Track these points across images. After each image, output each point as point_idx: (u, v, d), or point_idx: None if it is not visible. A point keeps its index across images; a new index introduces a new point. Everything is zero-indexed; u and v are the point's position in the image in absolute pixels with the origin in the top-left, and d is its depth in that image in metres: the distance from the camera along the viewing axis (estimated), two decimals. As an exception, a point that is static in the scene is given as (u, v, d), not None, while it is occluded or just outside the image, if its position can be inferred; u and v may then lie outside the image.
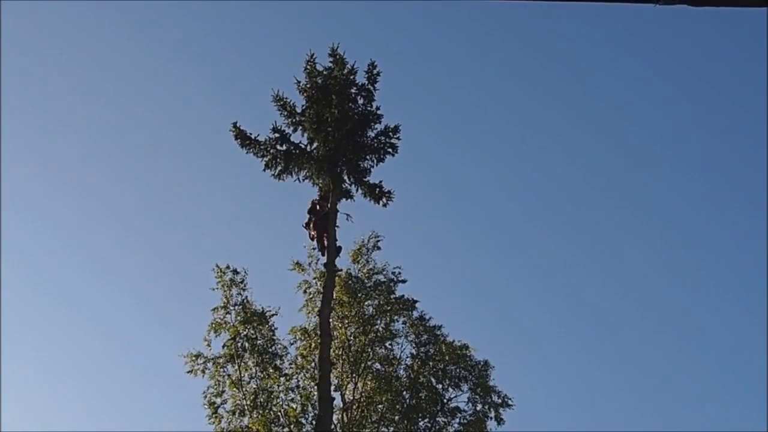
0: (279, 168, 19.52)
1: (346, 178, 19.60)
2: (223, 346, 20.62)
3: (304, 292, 21.77)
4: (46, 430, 39.77)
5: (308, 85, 19.61)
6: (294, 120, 19.57)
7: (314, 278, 21.81)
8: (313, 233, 19.66)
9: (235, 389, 20.27)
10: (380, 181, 19.67)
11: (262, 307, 21.20)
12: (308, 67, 19.64)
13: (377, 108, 19.52)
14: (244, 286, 21.34)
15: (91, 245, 46.65)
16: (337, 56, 19.58)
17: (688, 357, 43.51)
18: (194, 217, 47.71)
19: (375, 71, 19.44)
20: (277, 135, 19.45)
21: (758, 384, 36.05)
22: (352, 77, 19.54)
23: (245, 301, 21.19)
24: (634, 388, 41.50)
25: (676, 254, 46.38)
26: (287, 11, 45.01)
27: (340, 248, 18.94)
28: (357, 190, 19.66)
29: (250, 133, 19.52)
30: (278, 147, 19.54)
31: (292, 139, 19.55)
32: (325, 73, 19.62)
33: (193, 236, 46.74)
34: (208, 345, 20.71)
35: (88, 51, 45.66)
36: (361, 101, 19.61)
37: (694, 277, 45.82)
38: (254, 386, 20.40)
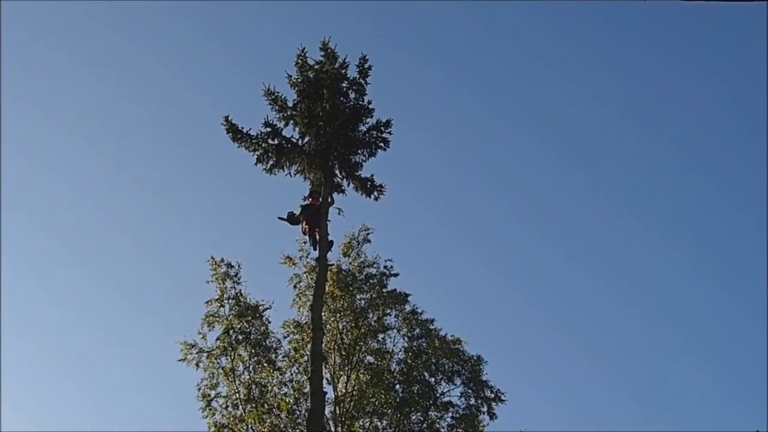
0: (271, 162, 19.52)
1: (337, 172, 19.61)
2: (217, 339, 20.65)
3: (294, 286, 21.79)
4: (46, 430, 39.75)
5: (299, 80, 19.58)
6: (285, 114, 19.54)
7: (305, 272, 21.83)
8: (305, 227, 19.66)
9: (228, 381, 20.29)
10: (372, 175, 19.70)
11: (256, 301, 21.25)
12: (299, 61, 19.60)
13: (369, 102, 19.51)
14: (238, 279, 21.40)
15: (83, 240, 46.56)
16: (329, 50, 19.53)
17: (686, 354, 43.70)
18: (186, 212, 47.68)
19: (366, 65, 19.39)
20: (268, 129, 19.43)
21: (758, 384, 36.16)
22: (343, 71, 19.51)
23: (239, 294, 21.22)
24: (629, 384, 41.69)
25: (671, 249, 46.50)
26: (278, 7, 44.89)
27: (331, 242, 18.93)
28: (348, 184, 19.69)
29: (242, 127, 19.51)
30: (270, 141, 19.52)
31: (283, 133, 19.55)
32: (316, 67, 19.59)
33: (185, 231, 46.71)
34: (204, 338, 20.74)
35: (80, 48, 45.52)
36: (352, 95, 19.59)
37: (691, 272, 45.98)
38: (248, 378, 20.44)
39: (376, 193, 19.69)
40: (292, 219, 19.53)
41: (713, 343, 44.06)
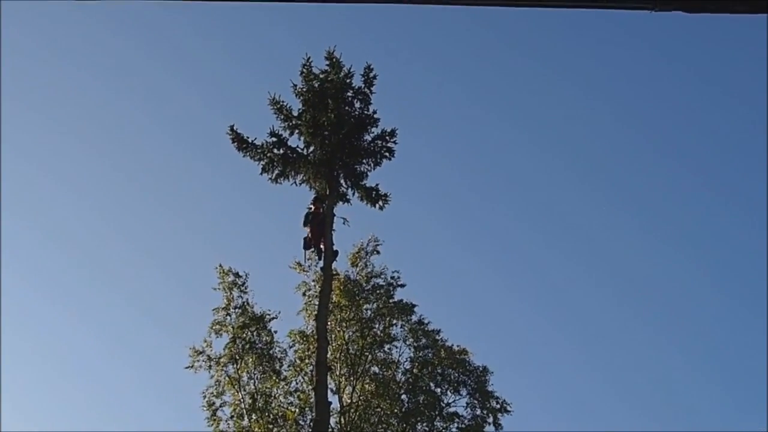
0: (276, 172, 19.50)
1: (342, 181, 19.57)
2: (225, 348, 20.63)
3: (304, 294, 21.68)
4: (46, 430, 39.76)
5: (305, 89, 19.60)
6: (290, 123, 19.55)
7: (313, 280, 21.74)
8: (310, 237, 19.59)
9: (234, 390, 20.24)
10: (377, 185, 19.66)
11: (262, 311, 21.20)
12: (304, 70, 19.63)
13: (374, 112, 19.52)
14: (245, 289, 21.38)
15: (90, 248, 46.58)
16: (334, 59, 19.57)
17: (690, 360, 43.47)
18: (192, 220, 47.59)
19: (371, 74, 19.44)
20: (274, 139, 19.43)
21: (758, 384, 36.04)
22: (348, 80, 19.53)
23: (246, 304, 21.20)
24: (636, 395, 41.39)
25: (676, 257, 46.32)
26: (284, 15, 44.98)
27: (337, 252, 18.90)
28: (354, 194, 19.63)
29: (247, 137, 19.52)
30: (275, 151, 19.52)
31: (289, 143, 19.57)
32: (321, 76, 19.61)
33: (192, 239, 46.63)
34: (209, 346, 20.70)
35: (86, 54, 45.57)
36: (357, 104, 19.59)
37: (693, 277, 45.75)
38: (253, 388, 20.39)
39: (381, 203, 19.64)
40: (307, 245, 19.45)
41: (715, 344, 43.91)
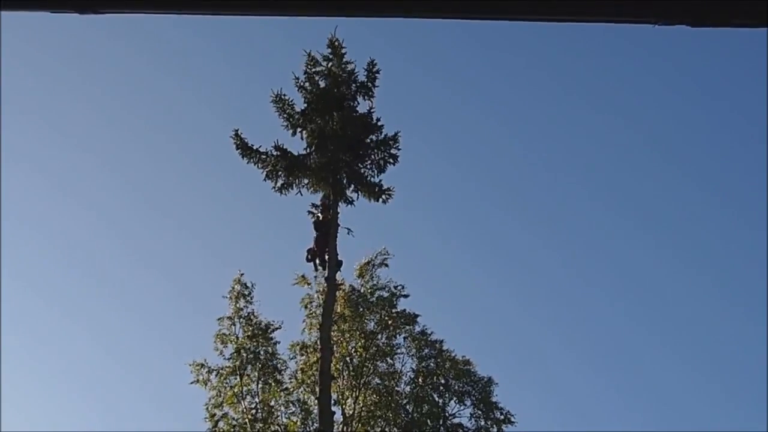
0: (281, 182, 19.33)
1: (345, 183, 19.37)
2: (229, 358, 20.58)
3: (306, 306, 21.50)
4: (46, 431, 39.83)
5: (307, 84, 19.44)
6: (293, 122, 19.37)
7: (317, 292, 21.61)
8: (314, 247, 19.47)
9: (237, 401, 20.18)
10: (380, 180, 19.46)
11: (268, 322, 21.14)
12: (308, 69, 19.52)
13: (378, 120, 19.40)
14: (251, 299, 21.35)
15: (92, 255, 46.70)
16: (336, 46, 19.40)
17: (691, 361, 43.37)
18: (196, 227, 47.67)
19: (374, 69, 19.26)
20: (278, 152, 19.26)
21: (758, 384, 35.94)
22: (352, 77, 19.43)
23: (251, 314, 21.17)
24: (639, 403, 41.23)
25: (685, 264, 46.26)
26: (287, 22, 45.03)
27: (341, 262, 18.78)
28: (357, 196, 19.37)
29: (251, 144, 19.43)
30: (279, 160, 19.39)
31: (292, 147, 19.46)
32: (324, 64, 19.45)
33: (195, 246, 46.66)
34: (220, 353, 20.72)
35: (88, 62, 45.73)
36: (360, 100, 19.45)
37: (695, 279, 45.70)
38: (256, 399, 20.33)
39: (384, 197, 19.36)
40: (312, 254, 19.38)
41: (715, 345, 43.82)
